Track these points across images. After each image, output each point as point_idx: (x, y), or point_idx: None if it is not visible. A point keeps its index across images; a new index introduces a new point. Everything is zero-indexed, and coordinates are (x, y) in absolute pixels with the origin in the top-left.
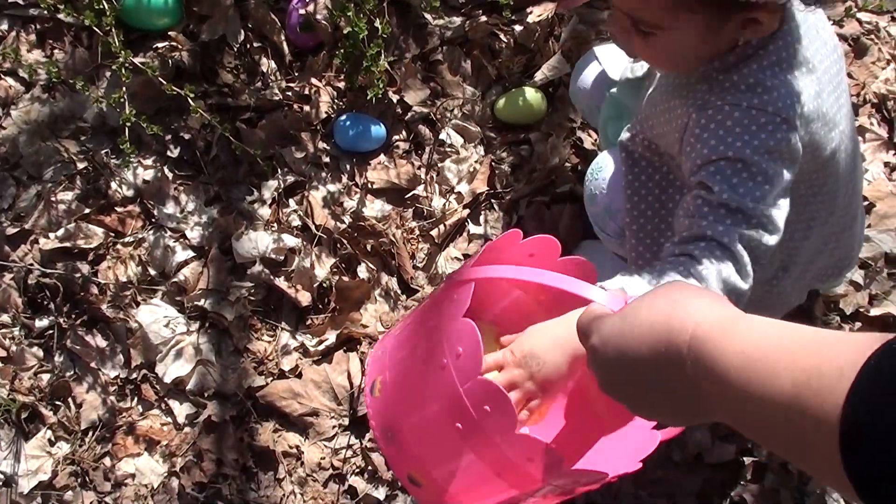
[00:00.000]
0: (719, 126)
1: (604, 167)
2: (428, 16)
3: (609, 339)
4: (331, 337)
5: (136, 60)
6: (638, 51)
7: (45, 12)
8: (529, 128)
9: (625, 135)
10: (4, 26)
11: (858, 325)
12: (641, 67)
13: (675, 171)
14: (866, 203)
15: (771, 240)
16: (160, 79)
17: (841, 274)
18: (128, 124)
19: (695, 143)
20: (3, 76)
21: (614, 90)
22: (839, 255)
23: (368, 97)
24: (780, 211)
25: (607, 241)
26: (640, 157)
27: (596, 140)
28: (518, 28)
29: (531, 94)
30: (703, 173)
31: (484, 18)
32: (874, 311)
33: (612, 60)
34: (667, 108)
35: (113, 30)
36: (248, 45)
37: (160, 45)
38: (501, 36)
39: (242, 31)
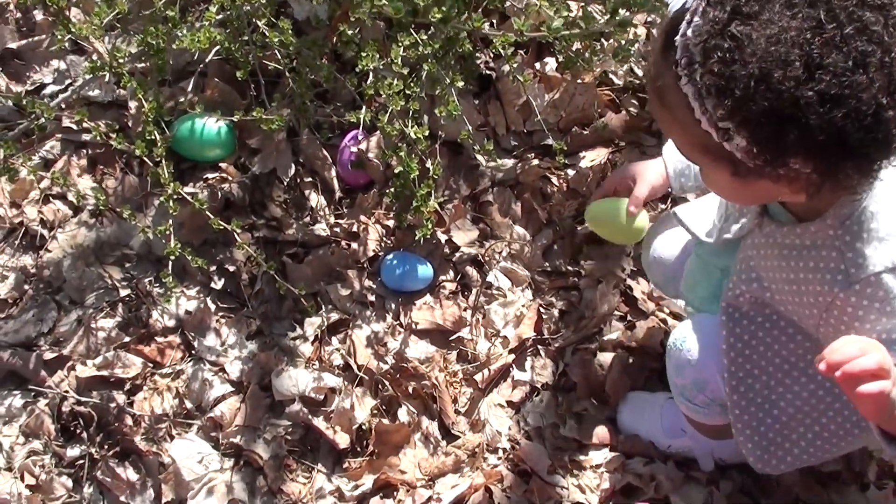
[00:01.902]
0: (879, 304)
1: (688, 336)
2: (480, 157)
3: None
4: (367, 482)
5: (186, 190)
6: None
7: (98, 138)
8: (579, 274)
9: (727, 294)
10: (57, 149)
11: None
12: (741, 228)
13: (789, 321)
14: None
15: None
16: (207, 213)
17: None
18: (172, 258)
19: (859, 325)
20: (52, 199)
21: (699, 250)
22: None
23: (417, 237)
24: None
25: (693, 411)
26: (744, 315)
27: (646, 290)
28: (570, 172)
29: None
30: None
31: (536, 162)
32: None
33: (697, 221)
34: (788, 272)
35: (163, 160)
36: (299, 180)
37: (211, 175)
38: (553, 179)
39: (293, 166)
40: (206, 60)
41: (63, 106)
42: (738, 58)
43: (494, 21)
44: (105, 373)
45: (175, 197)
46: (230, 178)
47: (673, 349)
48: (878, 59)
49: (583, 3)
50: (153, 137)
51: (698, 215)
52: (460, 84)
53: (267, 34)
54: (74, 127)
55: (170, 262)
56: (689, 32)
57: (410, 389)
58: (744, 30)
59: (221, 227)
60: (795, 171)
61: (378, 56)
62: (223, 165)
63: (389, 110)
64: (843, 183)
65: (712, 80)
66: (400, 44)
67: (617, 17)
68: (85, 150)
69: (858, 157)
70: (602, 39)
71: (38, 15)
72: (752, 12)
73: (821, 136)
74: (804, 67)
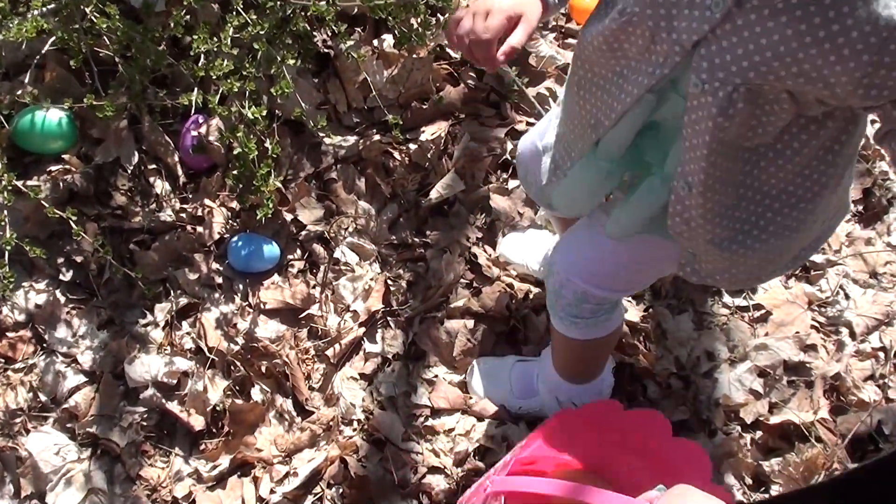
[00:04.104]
0: None
1: (555, 259)
2: (322, 135)
3: None
4: (224, 462)
5: (30, 183)
6: None
7: None
8: (426, 245)
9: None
10: None
11: (759, 433)
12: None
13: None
14: (763, 311)
15: None
16: (44, 203)
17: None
18: (8, 248)
19: None
20: None
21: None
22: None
23: (258, 217)
24: None
25: (585, 328)
26: (727, 139)
27: (491, 256)
28: (412, 146)
29: None
30: None
31: (378, 137)
32: (774, 419)
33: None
34: (814, 31)
35: None
36: (143, 167)
37: (54, 168)
38: (395, 154)
39: (136, 154)
40: (43, 51)
41: None
42: None
43: None
44: None
45: (10, 189)
46: (73, 169)
47: (548, 275)
48: None
49: None
50: None
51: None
52: (292, 62)
53: (96, 21)
54: None
55: (6, 254)
56: None
57: (263, 369)
58: None
59: (58, 217)
60: None
61: (211, 38)
62: (66, 157)
63: (220, 91)
64: None
65: None
66: (230, 25)
67: None
68: None
69: None
70: (438, 15)
71: None
72: None
73: None
74: None
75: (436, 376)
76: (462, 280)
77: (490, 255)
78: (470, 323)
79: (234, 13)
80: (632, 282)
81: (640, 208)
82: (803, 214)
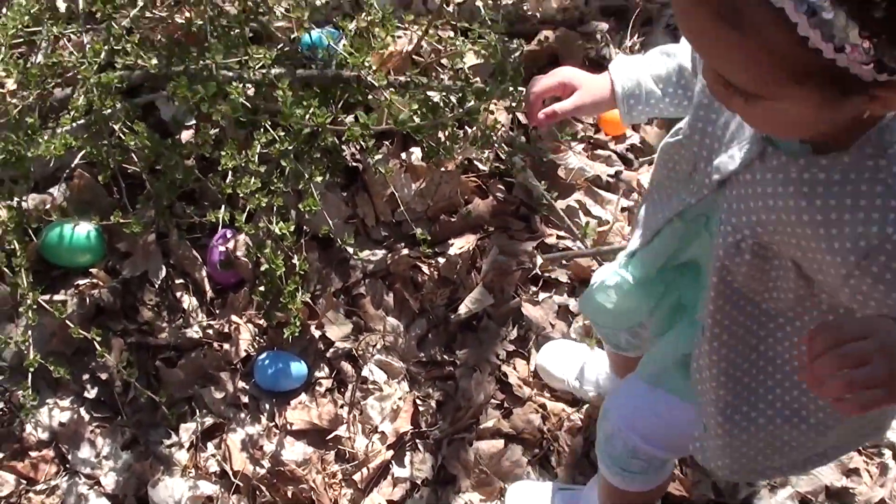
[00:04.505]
0: None
1: (611, 406)
2: (349, 249)
3: None
4: None
5: (56, 298)
6: (738, 112)
7: None
8: (454, 363)
9: (724, 242)
10: None
11: None
12: (731, 160)
13: (778, 300)
14: None
15: None
16: (68, 322)
17: None
18: (31, 369)
19: None
20: None
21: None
22: None
23: (285, 335)
24: None
25: (629, 480)
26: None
27: (522, 375)
28: (440, 260)
29: None
30: None
31: (406, 251)
32: None
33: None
34: (812, 213)
35: (23, 271)
36: (170, 282)
37: (81, 282)
38: (424, 268)
39: (164, 268)
40: (73, 165)
41: None
42: None
43: (358, 114)
44: None
45: (36, 307)
46: (101, 284)
47: (599, 423)
48: None
49: (440, 93)
50: (13, 247)
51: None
52: (320, 179)
53: (124, 138)
54: None
55: (29, 375)
56: None
57: (289, 494)
58: None
59: (82, 336)
60: None
61: (239, 154)
62: (94, 271)
63: (247, 209)
64: None
65: None
66: (258, 142)
67: (465, 107)
68: None
69: None
70: (465, 127)
71: None
72: None
73: None
74: None
75: (467, 503)
76: (492, 400)
77: (521, 374)
78: (500, 444)
79: (262, 130)
80: (684, 446)
81: (668, 349)
82: (815, 406)
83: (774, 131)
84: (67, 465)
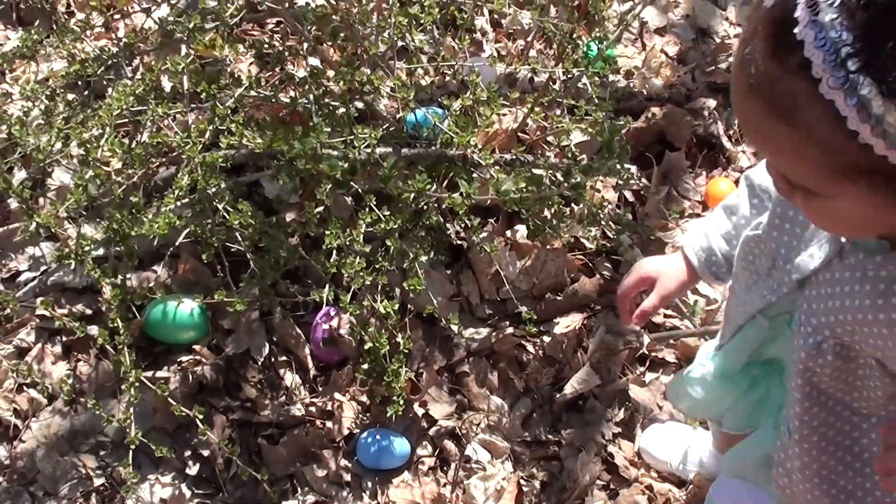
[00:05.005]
0: None
1: (714, 499)
2: (454, 328)
3: None
4: None
5: (159, 374)
6: (801, 209)
7: (63, 326)
8: (559, 443)
9: (805, 343)
10: (31, 338)
11: None
12: (811, 259)
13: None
14: None
15: None
16: (170, 399)
17: None
18: (132, 447)
19: None
20: (25, 388)
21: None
22: None
23: (388, 414)
24: None
25: None
26: (823, 393)
27: (629, 455)
28: (546, 339)
29: None
30: None
31: (510, 330)
32: None
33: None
34: (889, 311)
35: (125, 348)
36: (273, 359)
37: (184, 358)
38: (529, 347)
39: (267, 345)
40: (177, 242)
41: (36, 293)
42: None
43: (460, 182)
44: None
45: (138, 384)
46: (204, 361)
47: None
48: None
49: (546, 171)
50: (116, 325)
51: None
52: (424, 258)
53: (228, 217)
54: (48, 314)
55: (130, 452)
56: (827, 17)
57: None
58: None
59: (184, 413)
60: None
61: (343, 233)
62: (197, 347)
63: (351, 289)
64: None
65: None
66: (363, 220)
67: (570, 182)
68: (59, 337)
69: None
70: (572, 205)
71: (13, 203)
72: None
73: None
74: None
75: None
76: (598, 481)
77: (627, 455)
78: None
79: (367, 209)
80: None
81: (752, 447)
82: None
83: (834, 229)
84: None
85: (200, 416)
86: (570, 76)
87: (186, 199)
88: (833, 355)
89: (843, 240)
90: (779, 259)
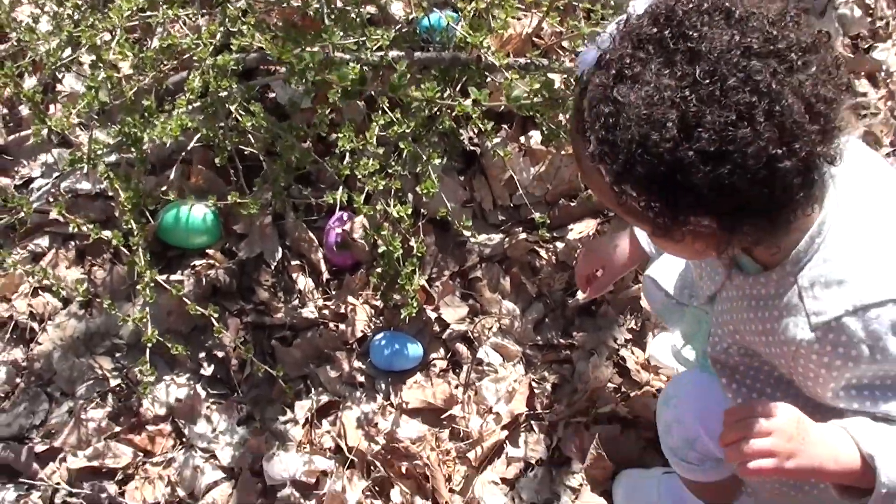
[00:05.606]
0: (843, 349)
1: (671, 394)
2: (467, 233)
3: None
4: None
5: (173, 278)
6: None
7: (76, 230)
8: (571, 346)
9: (714, 349)
10: (45, 242)
11: None
12: (714, 283)
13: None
14: None
15: None
16: (185, 299)
17: None
18: (149, 345)
19: (826, 374)
20: (40, 292)
21: (695, 304)
22: None
23: (402, 316)
24: None
25: (689, 471)
26: (737, 365)
27: (640, 360)
28: (559, 245)
29: None
30: (852, 399)
31: (524, 236)
32: None
33: (672, 281)
34: (758, 323)
35: (140, 249)
36: (286, 264)
37: (198, 262)
38: (542, 253)
39: (280, 250)
40: (189, 147)
41: (50, 199)
42: (618, 122)
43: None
44: (96, 463)
45: (153, 285)
46: (217, 264)
47: (660, 408)
48: (765, 110)
49: (561, 75)
50: (130, 226)
51: (672, 275)
52: (438, 162)
53: (240, 119)
54: (61, 220)
55: (147, 351)
56: (585, 100)
57: (403, 469)
58: (624, 92)
59: (199, 313)
60: (703, 227)
61: (356, 136)
62: (210, 252)
63: (365, 191)
64: (754, 236)
65: (599, 147)
66: (376, 123)
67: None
68: (73, 242)
69: (759, 211)
70: None
71: (24, 110)
72: (633, 74)
73: (711, 194)
74: (680, 126)
75: (580, 484)
76: (610, 384)
77: (639, 359)
78: (617, 429)
79: (380, 112)
80: None
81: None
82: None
83: (664, 250)
84: (184, 440)
85: (216, 316)
86: None
87: (198, 103)
88: (740, 356)
89: (733, 262)
90: (704, 279)
